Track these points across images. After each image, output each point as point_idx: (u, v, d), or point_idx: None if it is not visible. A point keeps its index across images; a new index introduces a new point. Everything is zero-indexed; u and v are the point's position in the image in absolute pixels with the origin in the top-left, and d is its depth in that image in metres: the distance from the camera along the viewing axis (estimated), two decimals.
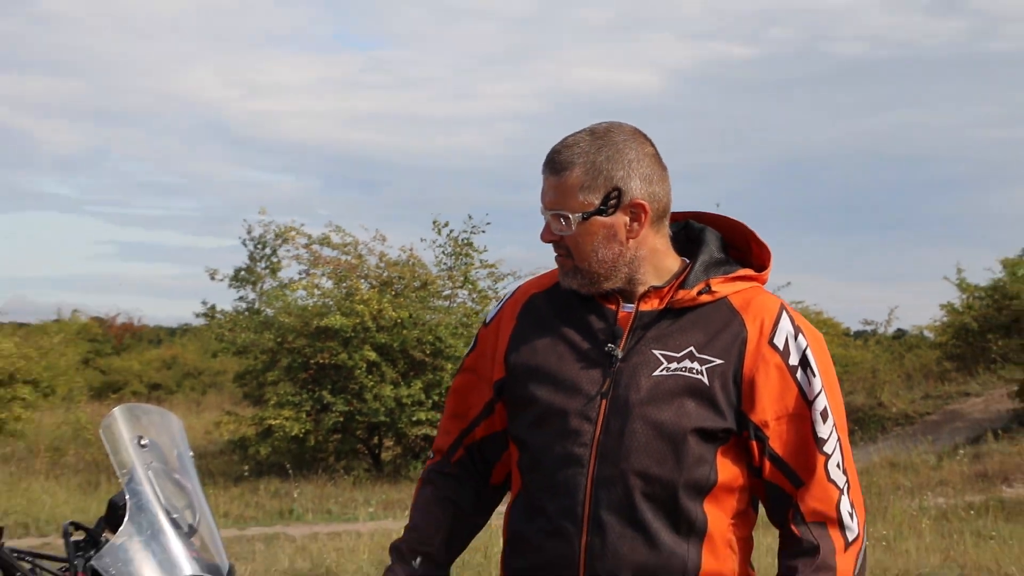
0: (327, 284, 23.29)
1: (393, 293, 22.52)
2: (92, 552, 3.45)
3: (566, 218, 3.00)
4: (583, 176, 2.98)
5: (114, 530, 3.44)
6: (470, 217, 24.06)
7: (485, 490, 3.36)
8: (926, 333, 29.87)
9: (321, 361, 21.80)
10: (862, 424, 24.00)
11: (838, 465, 2.97)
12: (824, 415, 2.97)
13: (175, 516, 3.51)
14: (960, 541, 14.22)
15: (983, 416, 23.77)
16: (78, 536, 3.57)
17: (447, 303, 23.44)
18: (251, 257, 25.63)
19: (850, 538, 2.95)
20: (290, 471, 20.65)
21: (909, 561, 12.80)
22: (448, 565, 3.33)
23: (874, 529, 14.40)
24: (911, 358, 29.46)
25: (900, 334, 33.05)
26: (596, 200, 2.99)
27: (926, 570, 12.46)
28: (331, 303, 22.63)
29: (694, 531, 2.98)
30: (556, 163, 3.02)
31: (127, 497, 3.45)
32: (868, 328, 32.37)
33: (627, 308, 3.08)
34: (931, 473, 20.27)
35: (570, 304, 3.15)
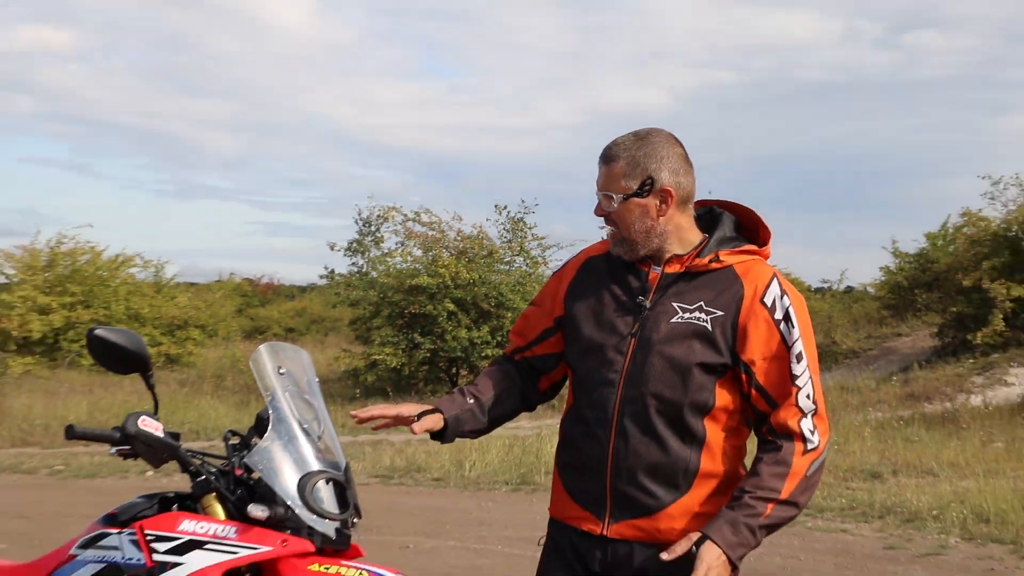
0: (417, 252, 26.92)
1: (467, 259, 25.88)
2: (245, 452, 3.65)
3: (611, 198, 3.47)
4: (625, 167, 3.45)
5: (261, 436, 3.66)
6: (523, 201, 27.10)
7: (533, 391, 3.83)
8: (869, 289, 32.47)
9: (413, 311, 25.34)
10: (820, 358, 25.13)
11: (808, 396, 3.39)
12: (799, 358, 3.41)
13: (305, 426, 3.69)
14: (893, 444, 16.48)
15: (911, 351, 26.02)
16: (234, 440, 3.74)
17: (507, 267, 26.53)
18: (360, 232, 26.76)
19: (809, 448, 3.36)
20: (390, 393, 24.77)
21: (855, 459, 14.96)
22: (489, 418, 3.76)
23: (831, 435, 15.64)
24: (857, 308, 31.62)
25: (849, 290, 35.77)
26: (634, 185, 3.45)
27: (867, 466, 14.46)
28: (420, 267, 26.24)
29: (696, 440, 3.44)
30: (607, 156, 3.50)
31: (270, 412, 3.67)
32: (825, 285, 37.00)
33: (656, 270, 3.53)
34: (871, 394, 22.52)
35: (617, 267, 3.60)
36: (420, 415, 3.59)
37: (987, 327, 23.14)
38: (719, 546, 3.27)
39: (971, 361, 23.15)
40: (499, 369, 3.85)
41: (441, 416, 3.65)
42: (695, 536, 3.31)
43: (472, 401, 3.72)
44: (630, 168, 3.45)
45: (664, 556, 3.31)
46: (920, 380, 22.76)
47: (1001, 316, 23.05)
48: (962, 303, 24.00)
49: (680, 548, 3.30)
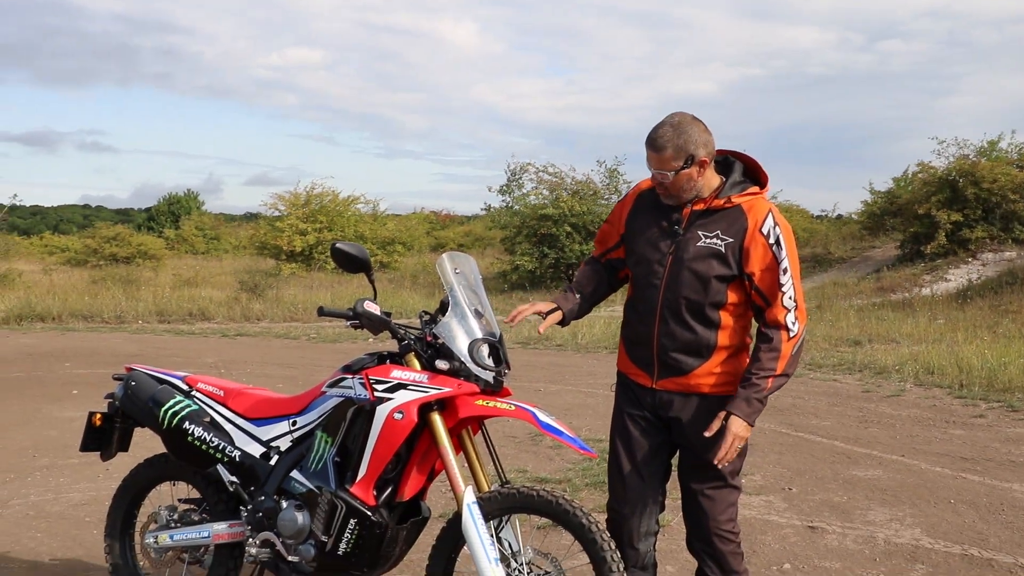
0: (545, 193, 26.64)
1: (578, 197, 25.79)
2: (433, 325, 3.69)
3: (666, 175, 3.39)
4: (672, 152, 3.35)
5: (443, 315, 3.69)
6: (616, 157, 28.43)
7: (614, 279, 3.81)
8: (853, 215, 31.76)
9: (542, 232, 25.35)
10: (820, 263, 26.72)
11: (791, 297, 3.37)
12: (785, 271, 3.37)
13: (473, 308, 3.71)
14: (869, 322, 16.38)
15: (881, 258, 25.76)
16: (426, 318, 3.77)
17: (605, 201, 26.28)
18: (508, 179, 27.15)
19: (791, 335, 3.37)
20: (527, 287, 24.94)
21: (842, 332, 15.04)
22: (590, 304, 3.80)
23: (824, 315, 17.37)
24: (845, 228, 31.71)
25: (839, 216, 35.64)
26: (680, 163, 3.37)
27: (851, 336, 14.56)
28: (548, 202, 26.08)
29: (714, 325, 3.44)
30: (657, 146, 3.39)
31: (449, 299, 3.70)
32: (823, 213, 37.33)
33: (687, 208, 3.47)
34: (854, 287, 22.41)
35: (660, 202, 3.55)
36: (546, 314, 3.69)
37: (934, 242, 23.19)
38: (740, 417, 3.34)
39: (922, 265, 23.12)
40: (591, 268, 3.82)
41: (560, 312, 3.70)
42: (723, 414, 3.37)
43: (578, 296, 3.75)
44: (676, 153, 3.36)
45: (706, 434, 3.38)
46: (887, 278, 22.68)
47: (943, 234, 23.07)
48: (917, 225, 23.84)
49: (715, 425, 3.37)
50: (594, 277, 3.79)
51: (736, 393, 3.38)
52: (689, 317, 3.44)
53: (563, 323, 3.73)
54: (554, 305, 3.71)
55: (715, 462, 3.36)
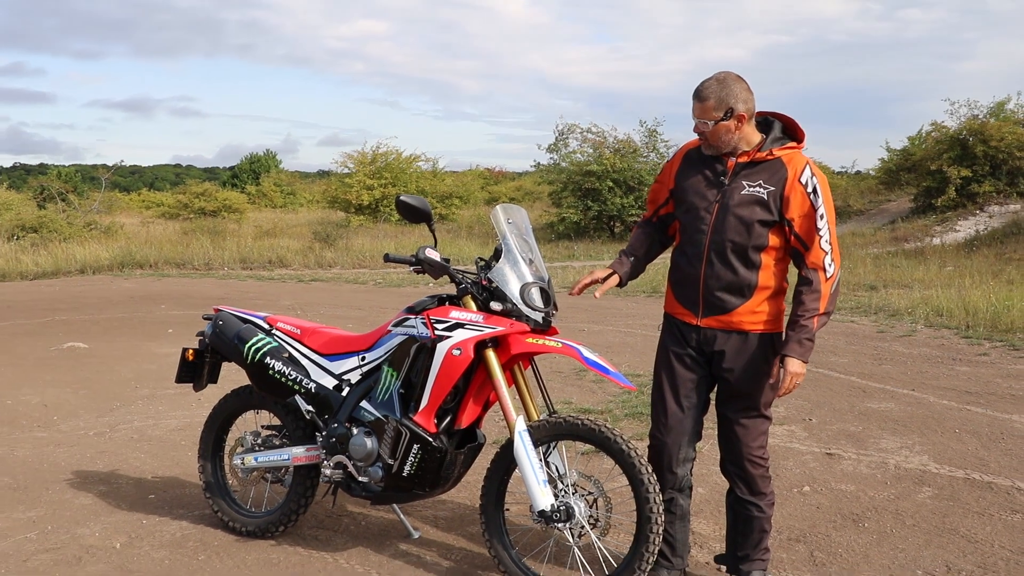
0: (589, 151, 25.96)
1: (620, 155, 25.12)
2: (487, 271, 3.68)
3: (707, 123, 3.34)
4: (714, 103, 3.30)
5: (497, 261, 3.68)
6: (655, 118, 27.94)
7: (664, 236, 3.74)
8: (871, 172, 30.48)
9: (586, 187, 24.80)
10: (840, 215, 26.68)
11: (827, 242, 3.33)
12: (821, 217, 3.32)
13: (523, 255, 3.69)
14: (884, 269, 16.01)
15: (897, 211, 25.15)
16: (482, 264, 3.74)
17: (644, 159, 25.74)
18: (555, 139, 26.66)
19: (828, 275, 3.33)
20: (572, 237, 24.41)
21: (860, 278, 14.77)
22: (644, 264, 3.75)
23: (843, 262, 16.32)
24: (864, 183, 30.63)
25: (859, 172, 34.32)
26: (720, 115, 3.31)
27: (868, 282, 14.35)
28: (592, 159, 25.33)
29: (755, 267, 3.38)
30: (701, 96, 3.34)
31: (502, 246, 3.69)
32: (844, 169, 35.40)
33: (732, 160, 3.41)
34: (871, 237, 21.89)
35: (706, 158, 3.48)
36: (604, 279, 3.65)
37: (944, 195, 22.72)
38: (795, 358, 3.34)
39: (933, 216, 22.63)
40: (642, 231, 3.75)
41: (617, 276, 3.66)
42: (778, 359, 3.39)
43: (632, 259, 3.71)
44: (717, 104, 3.31)
45: (770, 382, 3.44)
46: (901, 228, 22.19)
47: (953, 188, 22.60)
48: (929, 180, 23.36)
49: (776, 369, 3.40)
50: (645, 240, 3.74)
51: (787, 337, 3.37)
52: (734, 258, 3.39)
53: (621, 284, 3.70)
54: (610, 271, 3.67)
55: (777, 396, 3.41)
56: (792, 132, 3.49)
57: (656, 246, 3.76)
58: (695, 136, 3.48)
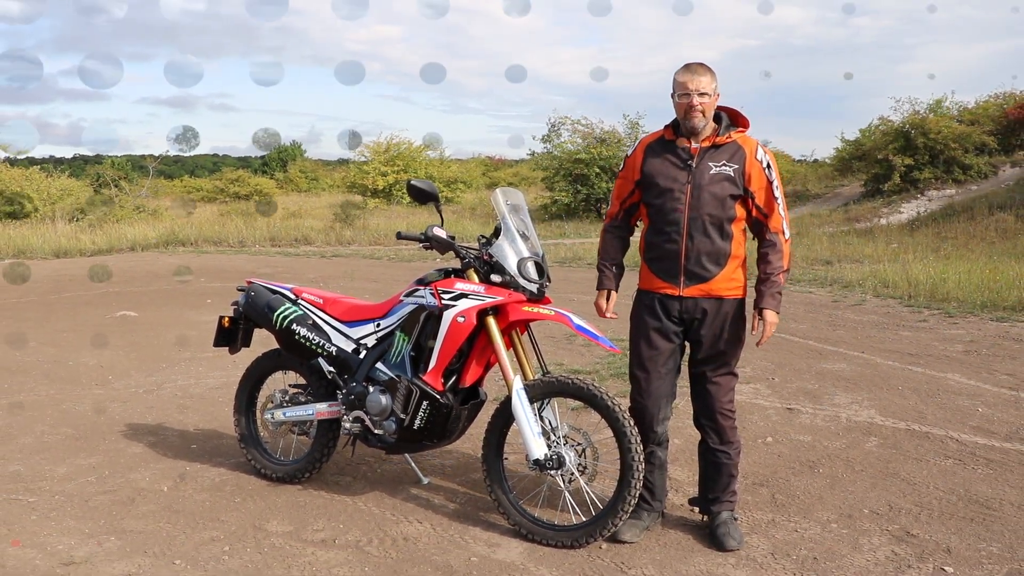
0: (579, 140, 25.59)
1: (606, 144, 24.84)
2: (488, 247, 3.66)
3: (708, 95, 3.32)
4: (711, 79, 3.30)
5: (497, 238, 3.66)
6: (637, 112, 26.66)
7: (628, 231, 3.68)
8: (827, 160, 29.96)
9: (576, 172, 24.39)
10: (799, 198, 25.71)
11: (783, 208, 3.37)
12: (776, 188, 3.35)
13: (520, 232, 3.67)
14: (839, 245, 15.81)
15: (849, 195, 24.75)
16: (483, 240, 3.71)
17: (628, 148, 24.59)
18: (549, 130, 26.36)
19: (787, 237, 3.37)
20: (563, 217, 24.09)
21: (817, 253, 14.55)
22: (623, 268, 3.71)
23: (802, 240, 16.30)
24: (820, 170, 30.04)
25: (816, 160, 33.85)
26: (713, 90, 3.32)
27: (823, 257, 14.21)
28: (580, 149, 25.04)
29: (728, 237, 3.37)
30: (700, 72, 3.32)
31: (501, 225, 3.66)
32: (803, 157, 35.05)
33: (695, 146, 3.39)
34: (827, 217, 21.63)
35: (666, 146, 3.46)
36: (608, 301, 3.72)
37: (890, 181, 22.62)
38: (771, 309, 3.39)
39: (881, 200, 22.53)
40: (612, 236, 3.67)
41: (615, 292, 3.70)
42: (756, 312, 3.41)
43: (615, 268, 3.68)
44: (712, 80, 3.32)
45: (752, 332, 3.45)
46: (854, 210, 22.03)
47: (898, 175, 22.50)
48: (877, 168, 23.27)
49: (756, 321, 3.42)
50: (619, 243, 3.68)
51: (760, 292, 3.40)
52: (712, 230, 3.37)
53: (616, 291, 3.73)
54: (607, 290, 3.69)
55: (756, 345, 3.47)
56: (736, 120, 3.49)
57: (627, 244, 3.71)
58: (667, 123, 3.46)
